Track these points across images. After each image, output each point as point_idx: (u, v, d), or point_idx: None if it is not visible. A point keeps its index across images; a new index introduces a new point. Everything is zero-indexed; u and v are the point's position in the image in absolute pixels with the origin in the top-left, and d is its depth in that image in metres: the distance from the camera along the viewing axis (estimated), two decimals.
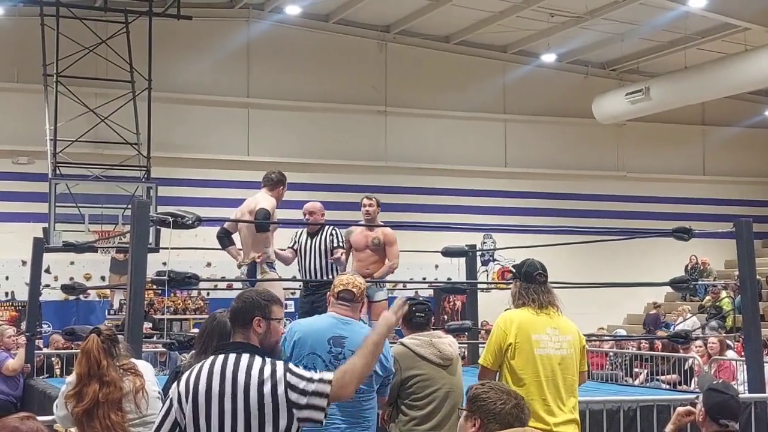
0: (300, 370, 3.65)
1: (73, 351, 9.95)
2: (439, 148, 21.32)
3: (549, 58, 21.63)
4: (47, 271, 15.32)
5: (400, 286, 12.91)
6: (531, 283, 5.27)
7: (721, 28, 19.27)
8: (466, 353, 10.80)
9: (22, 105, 18.27)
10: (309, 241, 8.95)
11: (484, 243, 20.08)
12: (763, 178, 24.15)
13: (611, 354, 14.16)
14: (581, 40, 20.88)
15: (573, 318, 5.42)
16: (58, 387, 5.64)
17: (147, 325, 13.15)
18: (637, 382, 12.55)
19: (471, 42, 21.47)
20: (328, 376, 3.62)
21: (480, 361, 5.32)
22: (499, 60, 21.99)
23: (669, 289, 11.67)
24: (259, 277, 8.32)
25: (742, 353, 9.61)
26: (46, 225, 15.07)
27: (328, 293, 5.26)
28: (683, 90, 19.89)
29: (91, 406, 4.50)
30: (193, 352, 4.84)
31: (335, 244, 8.88)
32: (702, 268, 21.32)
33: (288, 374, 3.58)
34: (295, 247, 9.04)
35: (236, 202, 9.34)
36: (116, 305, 18.09)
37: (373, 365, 3.78)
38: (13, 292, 18.19)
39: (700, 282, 20.11)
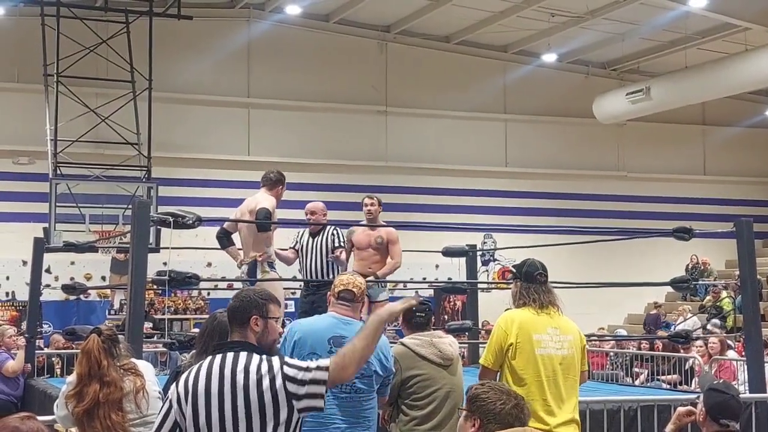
0: (296, 361, 3.66)
1: (73, 351, 9.92)
2: (439, 148, 21.30)
3: (549, 57, 21.61)
4: (48, 271, 15.36)
5: (401, 286, 12.90)
6: (532, 283, 5.26)
7: (722, 28, 19.27)
8: (466, 353, 10.79)
9: (23, 105, 18.27)
10: (310, 241, 8.92)
11: (485, 243, 20.09)
12: (764, 177, 24.13)
13: (612, 354, 14.14)
14: (582, 40, 20.87)
15: (573, 318, 5.41)
16: (59, 387, 5.63)
17: (147, 325, 13.12)
18: (637, 382, 12.55)
19: (471, 42, 21.46)
20: (325, 362, 3.61)
21: (481, 361, 5.32)
22: (499, 60, 21.98)
23: (669, 289, 11.70)
24: (259, 276, 8.31)
25: (743, 353, 9.62)
26: (46, 225, 15.08)
27: (329, 293, 5.26)
28: (684, 90, 19.88)
29: (91, 406, 4.51)
30: (194, 352, 4.84)
31: (336, 244, 8.87)
32: (702, 267, 21.32)
33: (285, 367, 3.59)
34: (296, 248, 9.02)
35: (236, 202, 9.33)
36: (117, 305, 18.11)
37: (373, 347, 3.73)
38: (13, 292, 18.19)
39: (700, 282, 20.13)
